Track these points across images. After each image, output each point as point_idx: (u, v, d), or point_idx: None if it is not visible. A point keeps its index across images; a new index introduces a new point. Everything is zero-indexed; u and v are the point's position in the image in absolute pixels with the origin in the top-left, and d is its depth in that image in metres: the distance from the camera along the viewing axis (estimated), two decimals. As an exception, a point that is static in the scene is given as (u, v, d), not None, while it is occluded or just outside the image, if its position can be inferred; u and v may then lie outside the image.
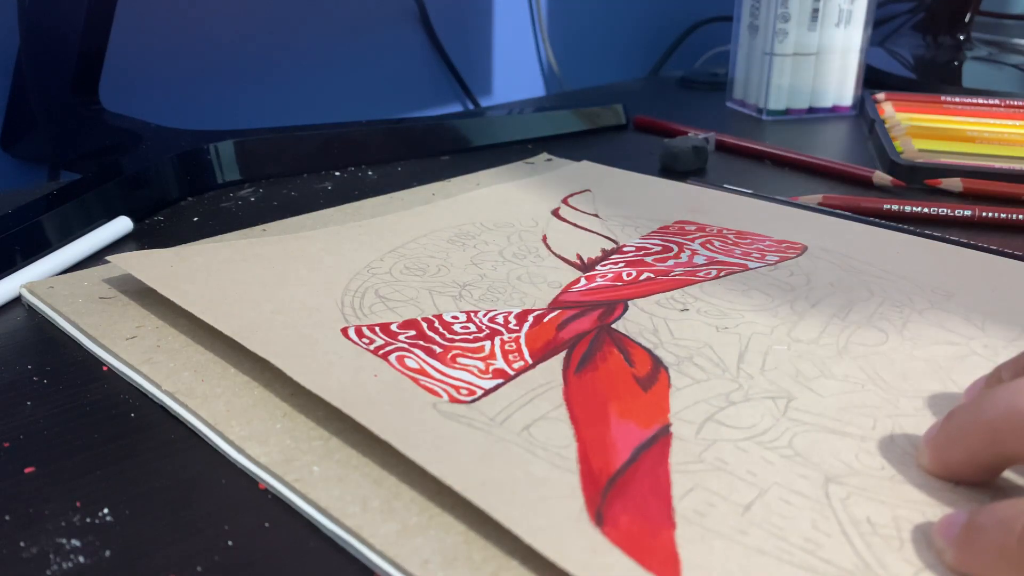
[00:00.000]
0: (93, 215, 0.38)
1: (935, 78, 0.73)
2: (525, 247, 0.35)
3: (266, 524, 0.21)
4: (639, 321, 0.29)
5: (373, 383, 0.24)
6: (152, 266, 0.31)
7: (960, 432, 0.21)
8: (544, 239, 0.36)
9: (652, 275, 0.33)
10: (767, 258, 0.35)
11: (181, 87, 0.62)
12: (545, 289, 0.32)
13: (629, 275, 0.33)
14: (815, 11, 0.63)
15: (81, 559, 0.20)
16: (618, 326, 0.29)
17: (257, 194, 0.45)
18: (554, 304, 0.30)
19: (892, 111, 0.59)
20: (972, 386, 0.25)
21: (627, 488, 0.20)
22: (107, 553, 0.20)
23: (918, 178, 0.47)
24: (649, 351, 0.27)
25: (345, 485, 0.21)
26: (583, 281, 0.32)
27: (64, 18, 0.47)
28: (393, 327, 0.28)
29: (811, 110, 0.66)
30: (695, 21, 0.92)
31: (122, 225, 0.39)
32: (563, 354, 0.27)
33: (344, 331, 0.27)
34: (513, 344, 0.27)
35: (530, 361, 0.26)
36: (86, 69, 0.48)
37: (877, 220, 0.40)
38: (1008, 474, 0.21)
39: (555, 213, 0.40)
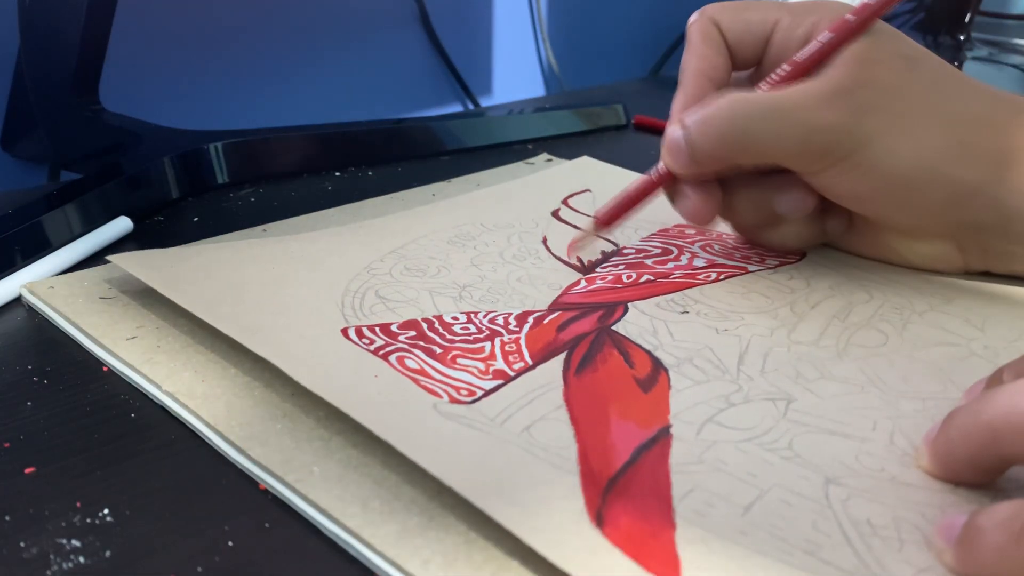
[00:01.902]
0: (93, 215, 0.38)
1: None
2: (525, 248, 0.35)
3: (266, 524, 0.21)
4: (639, 323, 0.29)
5: (373, 384, 0.24)
6: (152, 266, 0.31)
7: (960, 433, 0.21)
8: (544, 241, 0.36)
9: (652, 277, 0.33)
10: (767, 262, 0.35)
11: (181, 87, 0.62)
12: (545, 291, 0.32)
13: (629, 277, 0.33)
14: (815, 12, 0.63)
15: (81, 559, 0.20)
16: (618, 328, 0.29)
17: (257, 194, 0.45)
18: (554, 306, 0.30)
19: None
20: (973, 388, 0.25)
21: (627, 489, 0.20)
22: (107, 553, 0.20)
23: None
24: (649, 353, 0.27)
25: (345, 486, 0.21)
26: (583, 283, 0.32)
27: (64, 18, 0.47)
28: (393, 328, 0.28)
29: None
30: (695, 21, 0.92)
31: (122, 225, 0.39)
32: (563, 355, 0.27)
33: (344, 332, 0.27)
34: (513, 345, 0.27)
35: (530, 362, 0.26)
36: (86, 69, 0.48)
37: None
38: (1008, 475, 0.21)
39: (555, 215, 0.40)
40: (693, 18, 0.34)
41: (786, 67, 0.32)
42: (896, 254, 0.34)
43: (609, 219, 0.34)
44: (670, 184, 0.33)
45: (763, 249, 0.36)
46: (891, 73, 0.31)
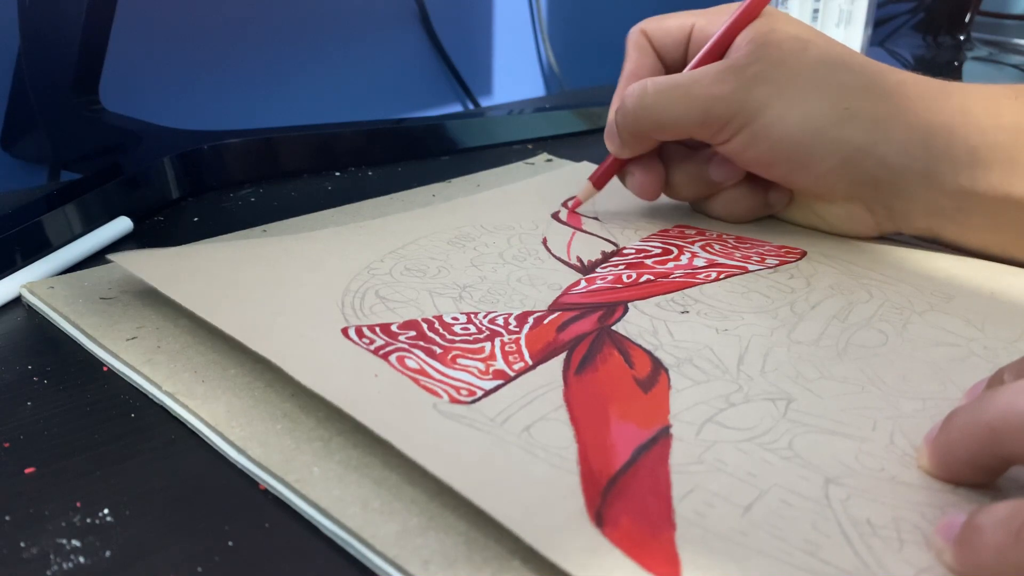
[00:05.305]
0: (93, 215, 0.38)
1: (935, 78, 0.73)
2: (525, 249, 0.35)
3: (266, 524, 0.21)
4: (639, 323, 0.29)
5: (373, 383, 0.24)
6: (153, 266, 0.31)
7: (960, 433, 0.21)
8: (544, 242, 0.36)
9: (652, 277, 0.33)
10: (767, 261, 0.35)
11: (181, 87, 0.62)
12: (545, 291, 0.32)
13: (629, 277, 0.33)
14: (815, 11, 0.63)
15: (81, 559, 0.20)
16: (618, 328, 0.29)
17: (257, 194, 0.45)
18: (554, 306, 0.30)
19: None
20: (973, 388, 0.25)
21: (627, 489, 0.20)
22: (107, 553, 0.20)
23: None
24: (649, 353, 0.27)
25: (345, 486, 0.21)
26: (583, 283, 0.32)
27: (64, 18, 0.47)
28: (393, 327, 0.28)
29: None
30: (695, 22, 0.92)
31: (122, 225, 0.39)
32: (563, 355, 0.27)
33: (344, 331, 0.27)
34: (513, 345, 0.27)
35: (530, 362, 0.26)
36: (86, 69, 0.48)
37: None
38: (1008, 475, 0.21)
39: (555, 216, 0.40)
40: (629, 32, 0.40)
41: (698, 57, 0.36)
42: (820, 219, 0.38)
43: (600, 180, 0.40)
44: (621, 167, 0.39)
45: (763, 249, 0.36)
46: (781, 50, 0.34)
